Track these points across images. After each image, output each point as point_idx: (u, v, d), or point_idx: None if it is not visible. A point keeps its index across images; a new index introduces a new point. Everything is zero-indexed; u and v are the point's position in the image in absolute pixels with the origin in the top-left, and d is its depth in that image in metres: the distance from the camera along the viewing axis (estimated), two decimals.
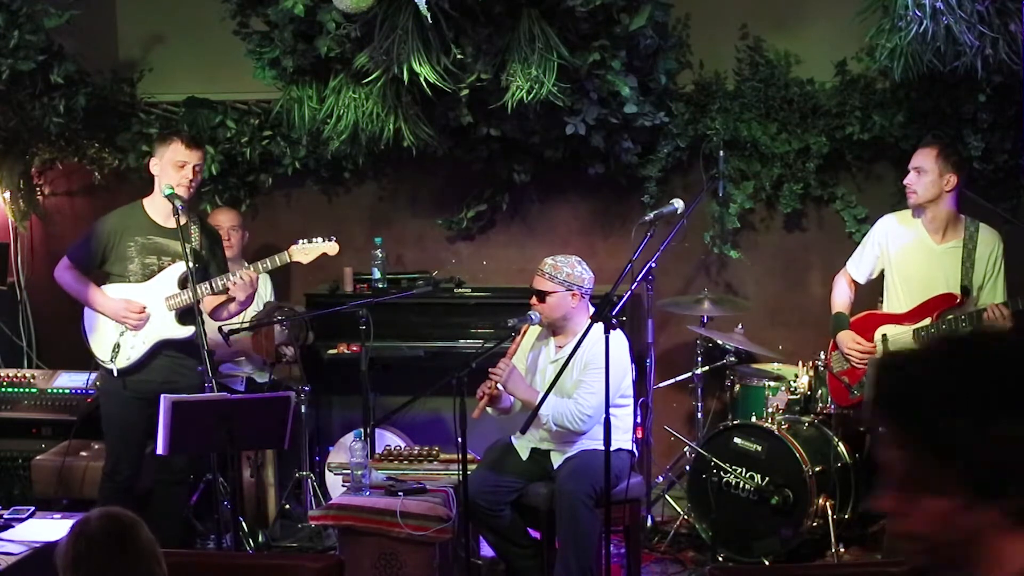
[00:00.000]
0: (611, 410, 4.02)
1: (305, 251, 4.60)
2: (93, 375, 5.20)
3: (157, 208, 4.60)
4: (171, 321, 4.56)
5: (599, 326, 4.04)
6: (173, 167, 4.51)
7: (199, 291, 4.45)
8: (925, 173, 4.58)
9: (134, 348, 4.54)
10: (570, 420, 4.27)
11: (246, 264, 5.47)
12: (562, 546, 4.24)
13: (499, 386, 4.29)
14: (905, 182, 4.67)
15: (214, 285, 4.50)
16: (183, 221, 4.41)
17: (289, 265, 4.69)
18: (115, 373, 4.54)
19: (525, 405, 4.33)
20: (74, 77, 5.73)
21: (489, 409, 4.38)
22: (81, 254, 4.63)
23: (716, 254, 5.87)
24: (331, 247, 4.61)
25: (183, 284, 4.52)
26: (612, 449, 4.21)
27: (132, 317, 4.49)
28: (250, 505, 5.24)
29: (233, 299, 4.61)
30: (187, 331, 4.54)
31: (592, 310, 4.41)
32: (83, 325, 4.66)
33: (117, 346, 4.54)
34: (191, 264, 4.35)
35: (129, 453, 4.60)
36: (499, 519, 4.37)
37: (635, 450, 4.55)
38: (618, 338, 4.27)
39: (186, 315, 4.53)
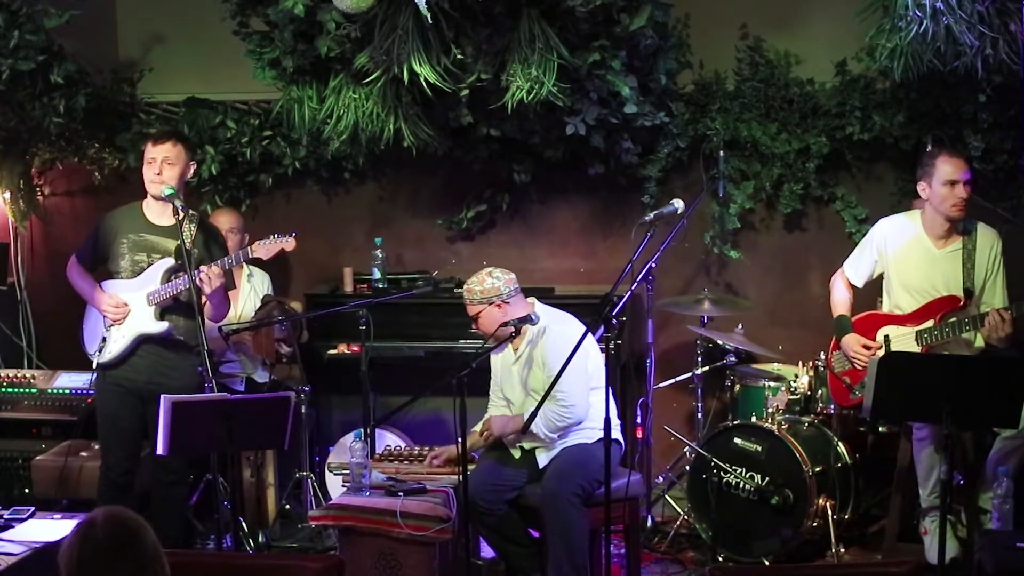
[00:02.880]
0: (593, 399, 4.29)
1: (266, 247, 4.63)
2: (94, 376, 5.19)
3: (153, 206, 4.65)
4: (148, 316, 4.58)
5: (537, 326, 4.33)
6: (145, 166, 4.61)
7: (177, 287, 4.49)
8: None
9: (116, 342, 4.59)
10: (559, 418, 4.30)
11: (245, 267, 5.51)
12: (553, 546, 4.23)
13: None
14: (961, 196, 4.52)
15: (193, 278, 4.48)
16: (181, 217, 4.42)
17: (288, 263, 4.67)
18: (95, 364, 4.63)
19: (518, 430, 4.43)
20: (74, 77, 5.72)
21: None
22: (84, 252, 4.74)
23: (716, 254, 5.86)
24: (289, 243, 4.63)
25: (166, 279, 4.56)
26: (593, 442, 4.29)
27: (111, 311, 4.56)
28: (250, 505, 5.24)
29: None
30: (161, 326, 4.57)
31: (527, 299, 4.50)
32: (83, 321, 4.74)
33: (104, 340, 4.62)
34: (190, 258, 4.38)
35: (118, 449, 4.61)
36: (499, 518, 4.37)
37: (622, 440, 4.52)
38: (560, 331, 4.37)
39: (165, 310, 4.57)
